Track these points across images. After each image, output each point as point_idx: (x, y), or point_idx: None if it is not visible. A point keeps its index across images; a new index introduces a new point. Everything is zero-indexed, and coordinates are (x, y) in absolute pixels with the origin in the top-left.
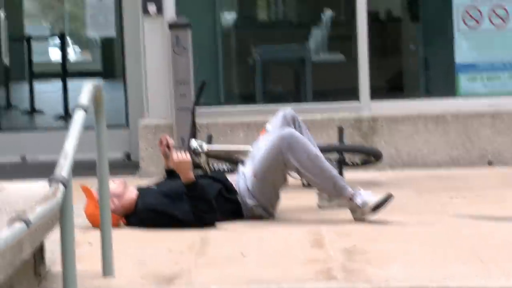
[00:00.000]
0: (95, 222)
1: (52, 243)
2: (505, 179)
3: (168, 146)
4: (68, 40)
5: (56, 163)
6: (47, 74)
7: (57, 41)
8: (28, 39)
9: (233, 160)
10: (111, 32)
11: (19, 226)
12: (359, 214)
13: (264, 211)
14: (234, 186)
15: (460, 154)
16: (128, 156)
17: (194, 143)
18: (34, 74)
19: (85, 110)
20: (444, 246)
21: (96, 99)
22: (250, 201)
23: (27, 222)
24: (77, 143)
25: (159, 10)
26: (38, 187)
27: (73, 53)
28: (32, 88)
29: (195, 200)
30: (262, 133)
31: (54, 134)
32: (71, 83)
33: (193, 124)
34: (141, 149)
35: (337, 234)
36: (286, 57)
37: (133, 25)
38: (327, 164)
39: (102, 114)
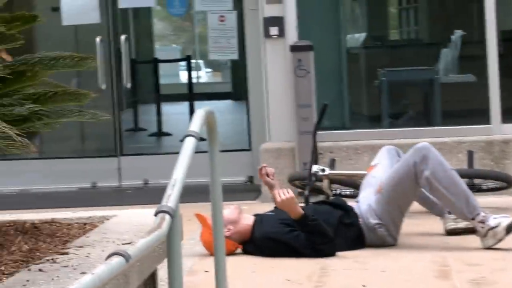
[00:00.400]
0: (211, 249)
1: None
2: None
3: (267, 175)
4: (200, 61)
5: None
6: (174, 96)
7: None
8: (156, 61)
9: (356, 185)
10: (234, 55)
11: (117, 260)
12: (491, 237)
13: (387, 232)
14: (355, 210)
15: None
16: (250, 179)
17: (315, 168)
18: (162, 96)
19: (196, 137)
20: None
21: (209, 124)
22: (373, 221)
23: (127, 257)
24: (186, 171)
25: (281, 32)
26: (148, 215)
27: (204, 74)
28: (160, 110)
29: (309, 234)
30: (369, 170)
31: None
32: (200, 104)
33: (315, 148)
34: None
35: (464, 264)
36: (413, 79)
37: (255, 48)
38: (461, 180)
39: (215, 139)
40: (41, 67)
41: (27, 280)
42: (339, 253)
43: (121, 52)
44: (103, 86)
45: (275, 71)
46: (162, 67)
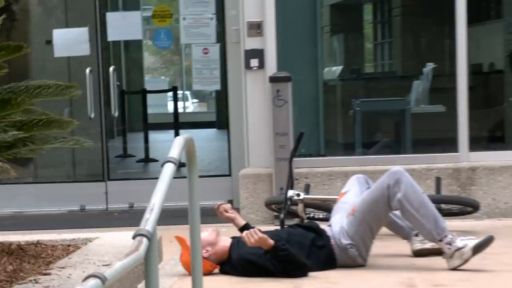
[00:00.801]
0: (189, 270)
1: None
2: None
3: (226, 211)
4: (187, 92)
5: (165, 210)
6: (162, 125)
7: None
8: (144, 92)
9: (329, 209)
10: (216, 86)
11: (93, 283)
12: (457, 257)
13: (358, 252)
14: (327, 232)
15: None
16: (231, 203)
17: (291, 192)
18: (150, 124)
19: (174, 163)
20: None
21: (188, 151)
22: (344, 241)
23: (103, 280)
24: (165, 195)
25: (261, 64)
26: (129, 238)
27: (191, 104)
28: (147, 138)
29: (282, 263)
30: (340, 197)
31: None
32: (186, 132)
33: (291, 174)
34: (241, 197)
35: (430, 284)
36: (386, 109)
37: (236, 79)
38: (431, 203)
39: (193, 165)
40: (27, 95)
41: None
42: (311, 274)
43: (109, 83)
44: (92, 115)
45: (254, 101)
46: (151, 98)
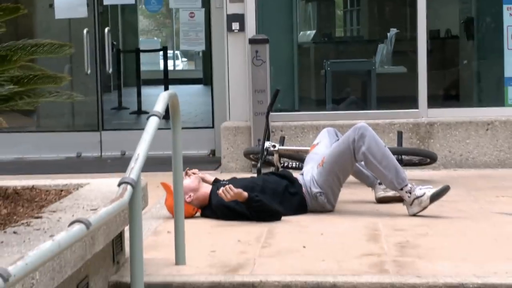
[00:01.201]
0: (173, 213)
1: None
2: None
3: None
4: (177, 52)
5: (154, 158)
6: (153, 81)
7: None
8: (138, 51)
9: (301, 159)
10: (201, 47)
11: (78, 227)
12: (416, 205)
13: (326, 199)
14: (299, 180)
15: (508, 157)
16: (213, 153)
17: (267, 144)
18: (143, 80)
19: (159, 117)
20: (489, 243)
21: (172, 105)
22: (315, 189)
23: (87, 225)
24: (149, 146)
25: (242, 27)
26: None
27: (180, 62)
28: (140, 92)
29: (256, 212)
30: (312, 148)
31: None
32: (176, 88)
33: (267, 127)
34: (223, 147)
35: (392, 229)
36: (353, 69)
37: (219, 40)
38: (392, 156)
39: (177, 118)
40: (23, 52)
41: (1, 242)
42: (284, 218)
43: (105, 42)
44: (89, 71)
45: (235, 61)
46: (144, 57)
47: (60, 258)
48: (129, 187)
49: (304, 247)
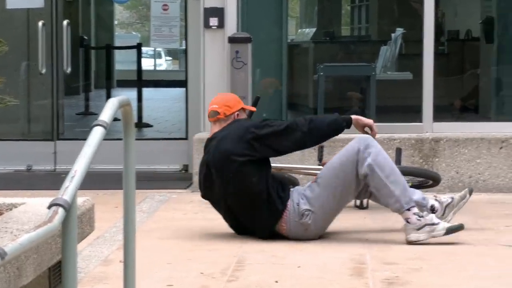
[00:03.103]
0: None
1: (81, 261)
2: None
3: None
4: (161, 50)
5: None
6: (128, 82)
7: (148, 50)
8: (109, 48)
9: (290, 180)
10: (175, 44)
11: None
12: (426, 232)
13: (312, 221)
14: (291, 191)
15: None
16: (185, 168)
17: None
18: (117, 82)
19: (105, 127)
20: (492, 281)
21: (125, 114)
22: (303, 206)
23: (2, 254)
24: (90, 162)
25: (221, 23)
26: None
27: (164, 62)
28: (110, 96)
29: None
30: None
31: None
32: (157, 91)
33: None
34: (195, 162)
35: (380, 262)
36: (350, 74)
37: (196, 38)
38: (400, 172)
39: (130, 129)
40: None
41: None
42: (257, 247)
43: (63, 37)
44: (43, 70)
45: (213, 62)
46: (120, 54)
47: None
48: (60, 210)
49: (276, 282)
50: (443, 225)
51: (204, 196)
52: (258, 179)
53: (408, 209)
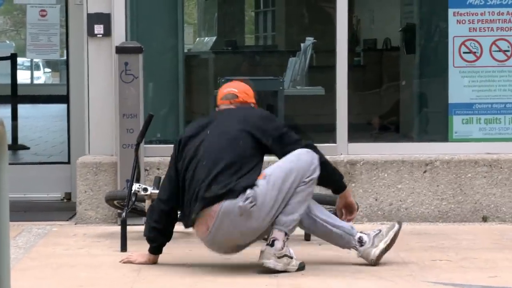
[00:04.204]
0: None
1: None
2: (500, 238)
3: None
4: (39, 61)
5: None
6: (2, 98)
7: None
8: None
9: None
10: (55, 55)
11: None
12: (283, 263)
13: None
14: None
15: (451, 208)
16: (68, 197)
17: (136, 186)
18: None
19: None
20: None
21: None
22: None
23: None
24: None
25: (107, 31)
26: None
27: (43, 74)
28: None
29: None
30: None
31: None
32: (34, 107)
33: (137, 164)
34: (79, 190)
35: None
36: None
37: (79, 47)
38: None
39: (3, 151)
40: None
41: None
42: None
43: None
44: None
45: (98, 75)
46: None
47: None
48: None
49: None
50: (296, 261)
51: (179, 146)
52: (250, 153)
53: (286, 233)
